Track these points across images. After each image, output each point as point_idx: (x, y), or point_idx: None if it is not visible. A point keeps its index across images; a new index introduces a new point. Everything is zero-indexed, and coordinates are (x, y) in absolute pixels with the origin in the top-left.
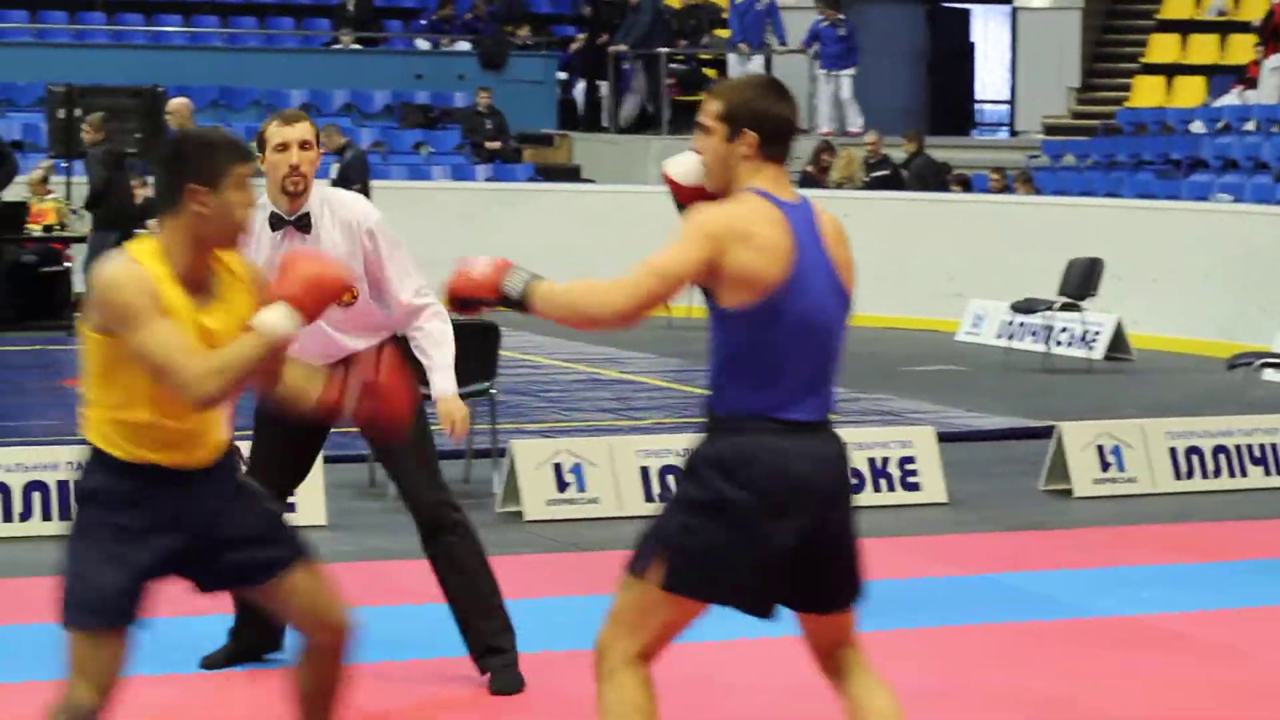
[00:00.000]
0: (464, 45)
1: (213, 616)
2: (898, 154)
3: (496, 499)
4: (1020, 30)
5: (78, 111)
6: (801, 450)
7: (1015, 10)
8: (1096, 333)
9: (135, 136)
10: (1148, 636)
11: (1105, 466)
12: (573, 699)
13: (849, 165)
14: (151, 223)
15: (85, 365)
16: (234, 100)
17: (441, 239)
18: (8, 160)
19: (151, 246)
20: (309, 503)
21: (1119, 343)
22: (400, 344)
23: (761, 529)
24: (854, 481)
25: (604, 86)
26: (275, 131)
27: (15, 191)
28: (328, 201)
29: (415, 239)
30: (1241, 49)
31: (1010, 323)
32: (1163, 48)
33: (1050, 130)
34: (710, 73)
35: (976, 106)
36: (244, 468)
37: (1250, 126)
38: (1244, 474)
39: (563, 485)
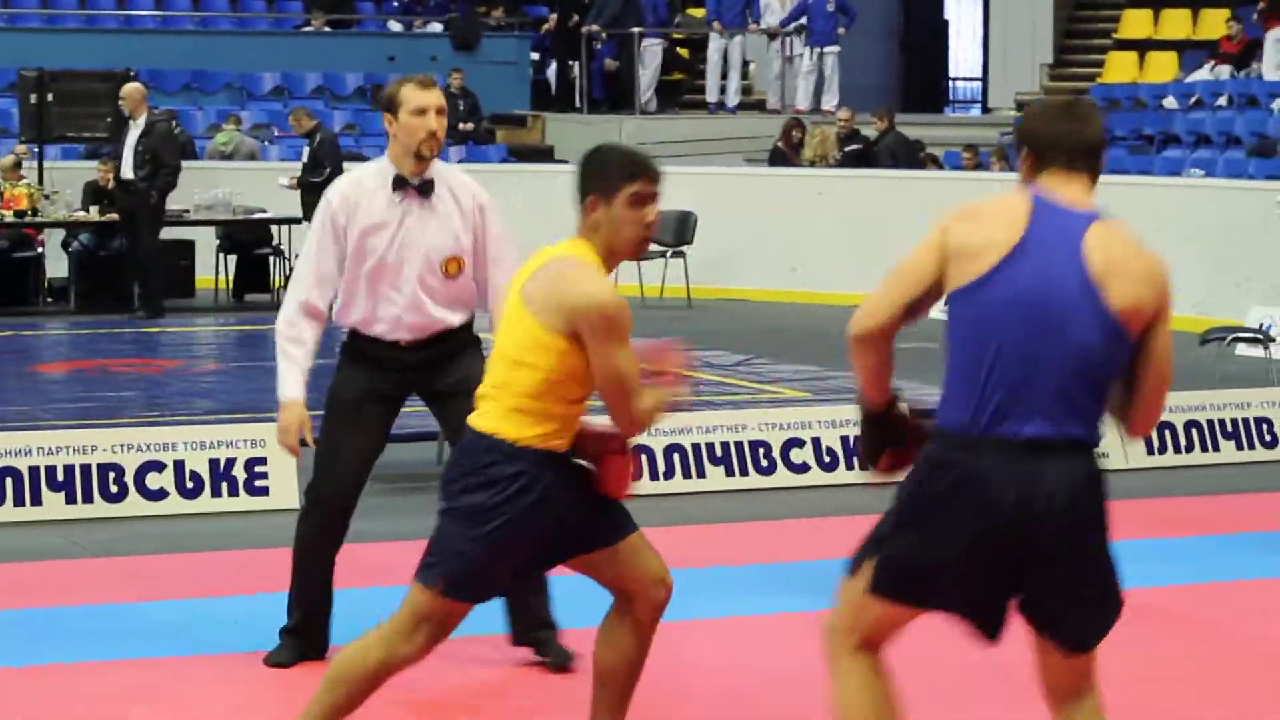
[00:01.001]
0: (436, 26)
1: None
2: (870, 131)
3: None
4: (993, 7)
5: (50, 96)
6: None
7: None
8: None
9: (106, 121)
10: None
11: None
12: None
13: (823, 143)
14: None
15: (517, 354)
16: (206, 83)
17: None
18: None
19: (595, 259)
20: (282, 486)
21: None
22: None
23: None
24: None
25: (576, 67)
26: (412, 94)
27: None
28: (441, 173)
29: None
30: (1214, 24)
31: None
32: (1135, 23)
33: (1023, 107)
34: (683, 52)
35: (950, 84)
36: None
37: (1223, 101)
38: (1216, 449)
39: None
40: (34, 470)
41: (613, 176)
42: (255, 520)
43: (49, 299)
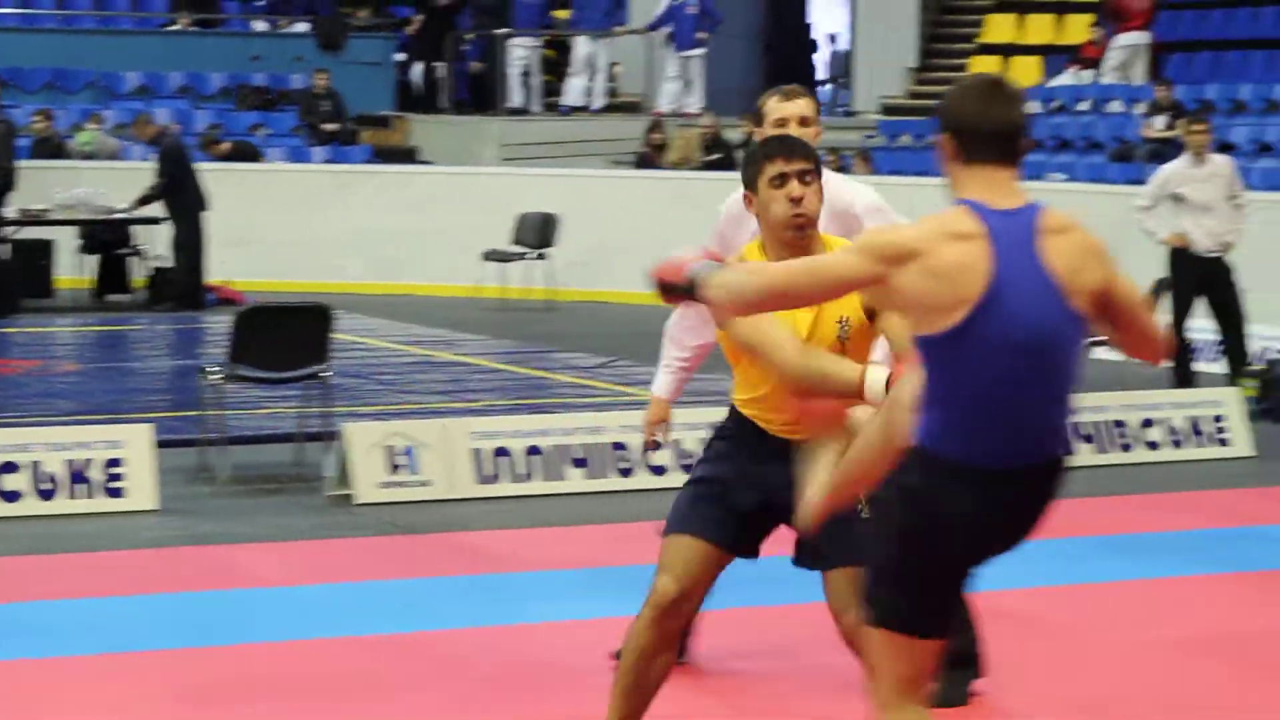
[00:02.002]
0: (302, 27)
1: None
2: (735, 134)
3: (328, 482)
4: (858, 10)
5: None
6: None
7: None
8: None
9: None
10: (990, 612)
11: None
12: (399, 685)
13: (686, 146)
14: None
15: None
16: (68, 82)
17: (278, 221)
18: None
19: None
20: (139, 487)
21: None
22: None
23: None
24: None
25: (441, 68)
26: (774, 107)
27: None
28: (830, 179)
29: (251, 222)
30: (1077, 29)
31: None
32: (999, 28)
33: (887, 110)
34: (550, 53)
35: (814, 87)
36: None
37: (1085, 106)
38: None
39: (395, 467)
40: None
41: (754, 165)
42: (112, 522)
43: None
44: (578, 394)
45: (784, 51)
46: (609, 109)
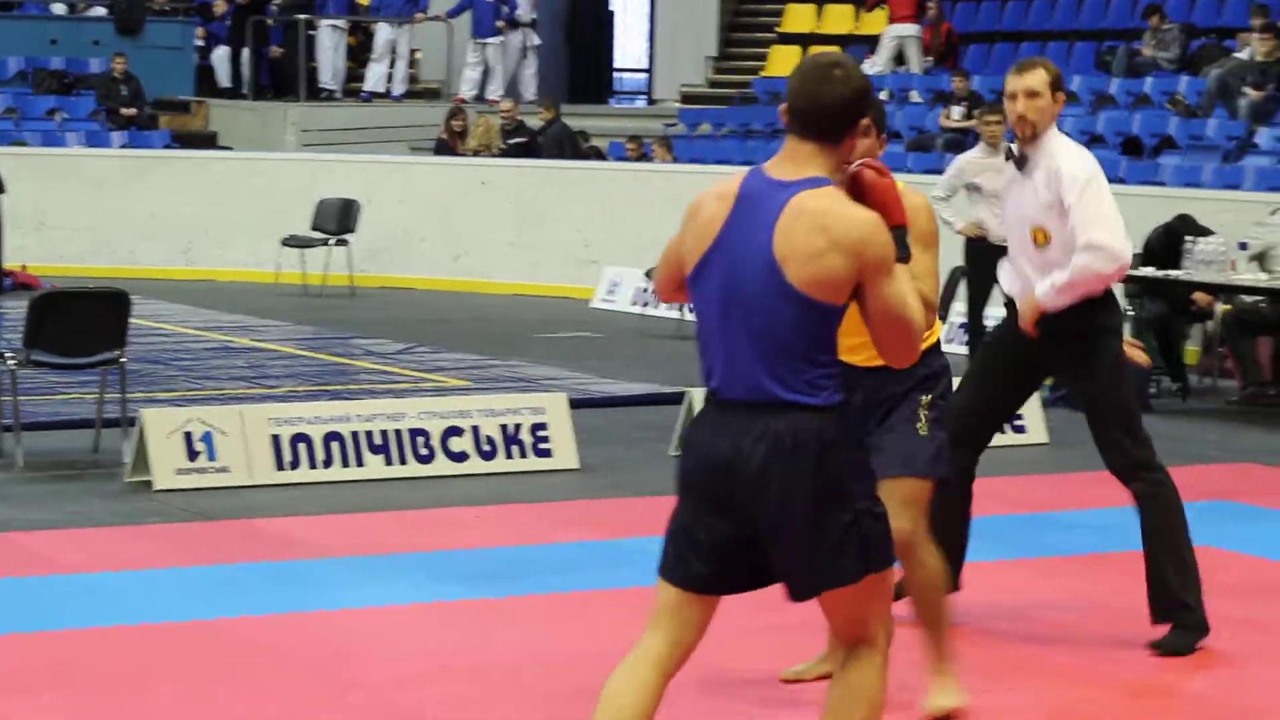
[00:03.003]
0: (100, 10)
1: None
2: (534, 121)
3: (126, 469)
4: None
5: None
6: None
7: None
8: None
9: None
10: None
11: None
12: (195, 673)
13: (486, 133)
14: None
15: None
16: None
17: (76, 206)
18: None
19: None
20: None
21: None
22: None
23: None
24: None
25: (245, 53)
26: (1008, 80)
27: None
28: (1050, 149)
29: (50, 206)
30: (875, 20)
31: (645, 289)
32: (798, 18)
33: (687, 99)
34: (352, 40)
35: (615, 75)
36: None
37: (883, 95)
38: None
39: (193, 454)
40: None
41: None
42: None
43: None
44: (377, 380)
45: (586, 39)
46: (410, 95)
